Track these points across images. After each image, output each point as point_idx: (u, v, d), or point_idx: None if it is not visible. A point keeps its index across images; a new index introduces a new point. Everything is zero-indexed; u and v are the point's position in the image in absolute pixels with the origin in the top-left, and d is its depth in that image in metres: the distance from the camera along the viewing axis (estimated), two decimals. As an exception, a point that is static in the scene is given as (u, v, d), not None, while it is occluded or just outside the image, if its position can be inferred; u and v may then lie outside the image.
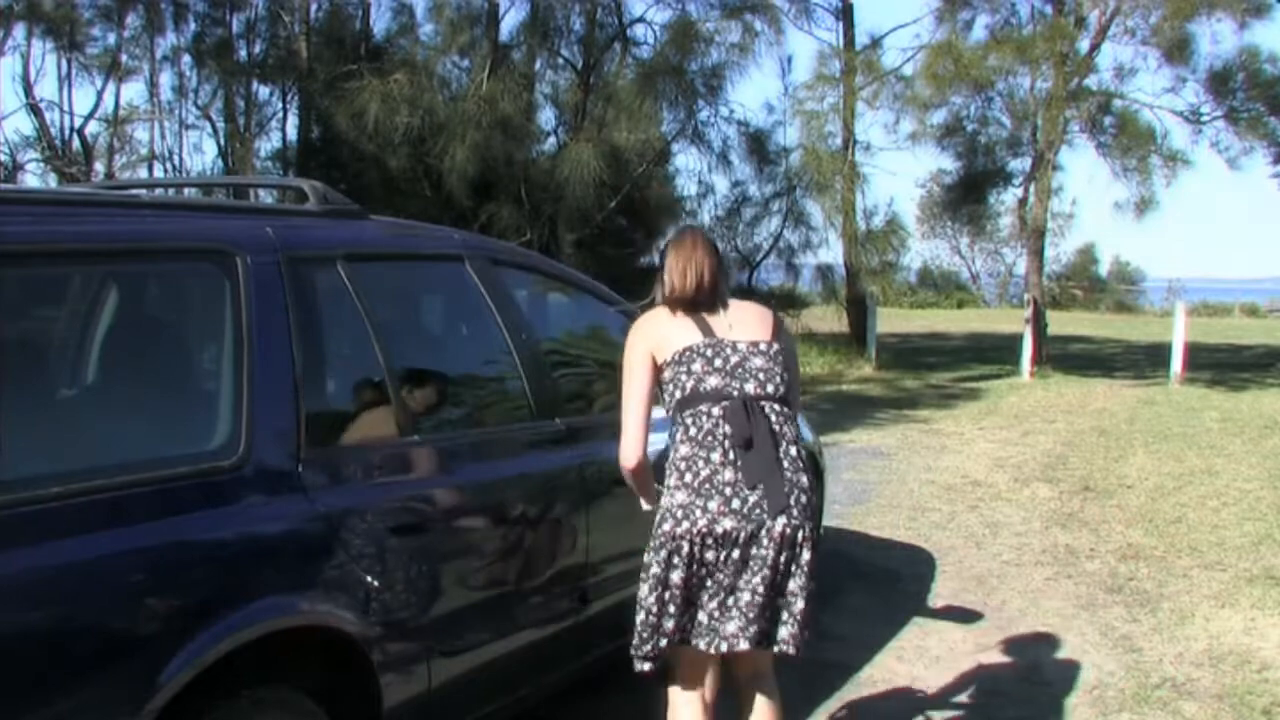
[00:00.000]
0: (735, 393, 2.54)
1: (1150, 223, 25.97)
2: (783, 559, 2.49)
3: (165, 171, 18.06)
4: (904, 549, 5.65)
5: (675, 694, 2.67)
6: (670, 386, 2.59)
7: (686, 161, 50.98)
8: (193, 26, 16.91)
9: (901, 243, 16.45)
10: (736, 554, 2.45)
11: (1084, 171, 39.09)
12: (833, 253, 16.56)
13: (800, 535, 2.51)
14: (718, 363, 2.57)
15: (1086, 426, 9.96)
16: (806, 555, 2.54)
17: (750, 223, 16.69)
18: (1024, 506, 6.67)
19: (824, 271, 17.01)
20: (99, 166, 18.22)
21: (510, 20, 14.89)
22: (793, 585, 2.53)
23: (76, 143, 17.86)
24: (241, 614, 2.11)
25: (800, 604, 2.55)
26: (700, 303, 2.64)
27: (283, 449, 2.29)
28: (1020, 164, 16.01)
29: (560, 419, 3.13)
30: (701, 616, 2.51)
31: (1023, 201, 16.18)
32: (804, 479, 2.54)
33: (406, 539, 2.50)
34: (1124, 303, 38.41)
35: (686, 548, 2.45)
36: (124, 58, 17.66)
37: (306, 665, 2.33)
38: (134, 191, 3.21)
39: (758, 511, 2.45)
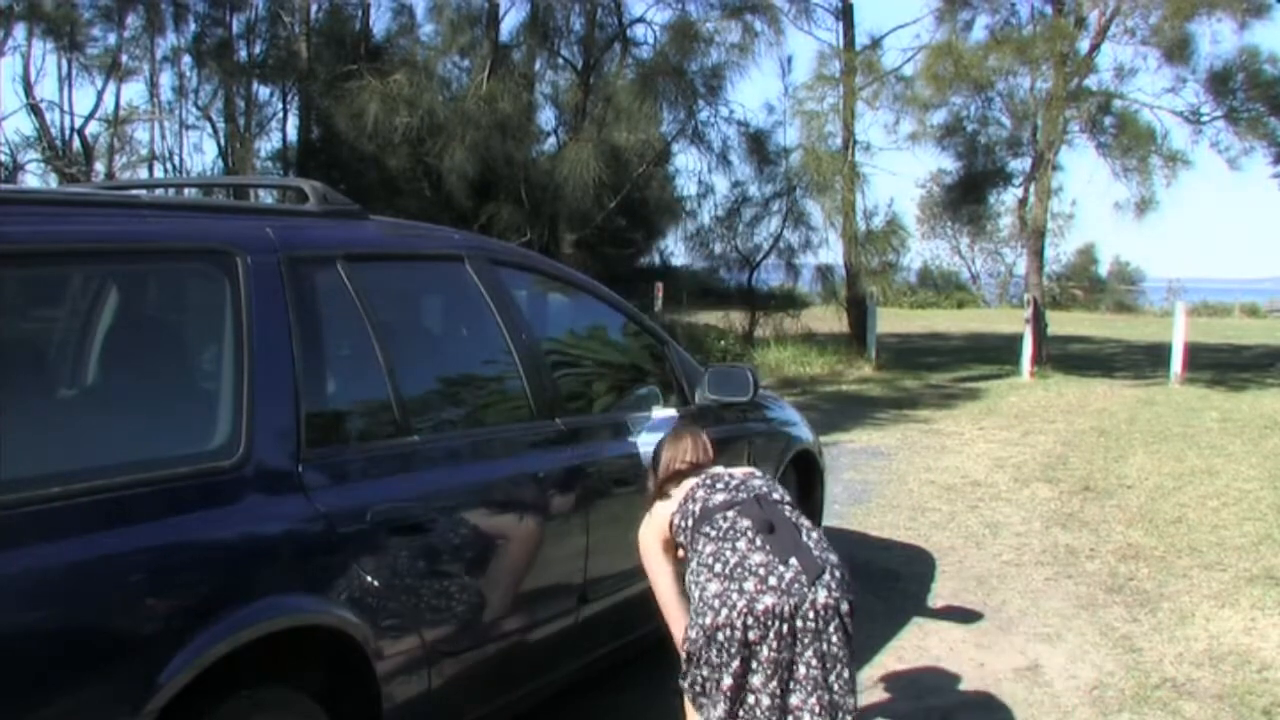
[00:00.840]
0: (742, 497, 2.65)
1: (1150, 223, 25.99)
2: (831, 630, 2.43)
3: (165, 172, 18.07)
4: (904, 549, 5.65)
5: None
6: (682, 523, 2.68)
7: (686, 161, 51.01)
8: (193, 27, 16.95)
9: (901, 243, 16.45)
10: (785, 628, 2.39)
11: (1084, 171, 39.06)
12: (833, 253, 16.59)
13: (844, 608, 2.46)
14: (719, 485, 2.70)
15: (1086, 426, 9.95)
16: (842, 625, 2.47)
17: (750, 223, 16.73)
18: (1024, 506, 6.67)
19: (824, 271, 17.03)
20: (99, 167, 18.23)
21: (510, 20, 14.93)
22: (840, 654, 2.47)
23: (77, 143, 17.88)
24: (241, 614, 2.11)
25: (846, 673, 2.49)
26: (676, 476, 2.83)
27: (283, 449, 2.29)
28: (1020, 164, 16.02)
29: (560, 419, 3.13)
30: (764, 700, 2.41)
31: (1023, 201, 16.18)
32: (834, 556, 2.54)
33: (407, 539, 2.50)
34: (1124, 303, 38.40)
35: (727, 634, 2.41)
36: (124, 58, 17.68)
37: (307, 665, 2.33)
38: (134, 192, 3.21)
39: (796, 586, 2.42)
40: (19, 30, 16.80)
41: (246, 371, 2.26)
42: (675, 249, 17.03)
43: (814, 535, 2.59)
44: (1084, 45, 14.82)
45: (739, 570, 2.45)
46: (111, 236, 2.22)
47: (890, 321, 21.11)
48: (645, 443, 3.18)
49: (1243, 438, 9.23)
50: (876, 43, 16.30)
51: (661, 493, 2.86)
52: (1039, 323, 14.37)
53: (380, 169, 13.64)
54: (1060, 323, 19.87)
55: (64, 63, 17.62)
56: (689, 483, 2.79)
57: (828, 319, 17.29)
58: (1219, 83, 14.73)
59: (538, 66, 15.27)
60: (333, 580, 2.32)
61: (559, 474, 3.08)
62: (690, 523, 2.67)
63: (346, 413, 2.61)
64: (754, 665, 2.41)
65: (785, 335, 16.44)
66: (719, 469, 2.83)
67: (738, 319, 16.56)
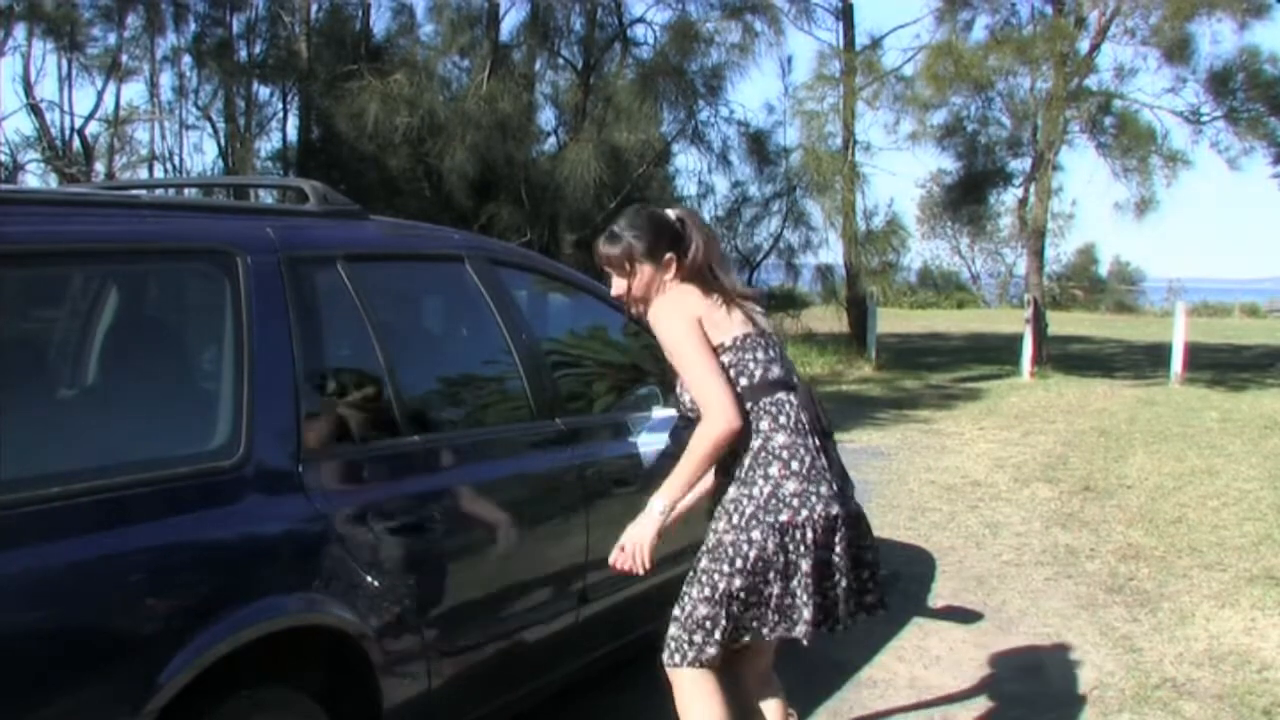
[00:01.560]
0: (796, 381, 2.56)
1: (1150, 223, 25.99)
2: (857, 536, 2.56)
3: (165, 172, 18.07)
4: (904, 549, 5.65)
5: (715, 690, 2.54)
6: (731, 372, 2.51)
7: (686, 162, 51.07)
8: (193, 27, 16.94)
9: (901, 243, 16.48)
10: (847, 533, 2.49)
11: (1084, 171, 39.08)
12: (833, 253, 16.61)
13: (864, 512, 2.62)
14: (772, 353, 2.56)
15: (1086, 426, 9.96)
16: (867, 527, 2.63)
17: (750, 223, 16.75)
18: (1024, 506, 6.67)
19: (824, 272, 17.04)
20: (99, 167, 18.23)
21: (510, 20, 14.92)
22: (870, 557, 2.62)
23: (77, 143, 17.87)
24: (241, 614, 2.11)
25: (879, 570, 2.68)
26: (729, 291, 2.60)
27: (283, 449, 2.29)
28: (1020, 164, 16.05)
29: (560, 419, 3.13)
30: (805, 609, 2.46)
31: (1023, 202, 16.19)
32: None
33: (407, 539, 2.50)
34: (1124, 303, 38.43)
35: (811, 534, 2.43)
36: (124, 58, 17.67)
37: (307, 665, 2.33)
38: (134, 192, 3.22)
39: (846, 495, 2.52)
40: (19, 30, 16.80)
41: (246, 372, 2.26)
42: (675, 249, 17.01)
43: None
44: (1084, 45, 14.85)
45: (814, 473, 2.46)
46: (111, 236, 2.22)
47: (890, 321, 21.11)
48: (645, 443, 3.18)
49: (1243, 438, 9.23)
50: (876, 43, 16.34)
51: (692, 276, 2.60)
52: (1039, 323, 14.38)
53: (380, 169, 13.64)
54: (1060, 323, 19.87)
55: (64, 63, 17.62)
56: (742, 321, 2.56)
57: (828, 319, 17.30)
58: (1219, 83, 14.74)
59: (538, 66, 15.27)
60: (333, 580, 2.32)
61: (559, 474, 3.08)
62: (744, 380, 2.51)
63: (346, 413, 2.60)
64: (826, 569, 2.48)
65: (785, 335, 16.44)
66: (759, 320, 2.63)
67: (738, 319, 16.53)
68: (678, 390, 2.63)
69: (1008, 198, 17.51)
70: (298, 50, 15.39)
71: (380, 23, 16.14)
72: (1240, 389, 12.89)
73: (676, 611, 2.54)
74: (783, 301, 17.33)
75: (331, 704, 2.33)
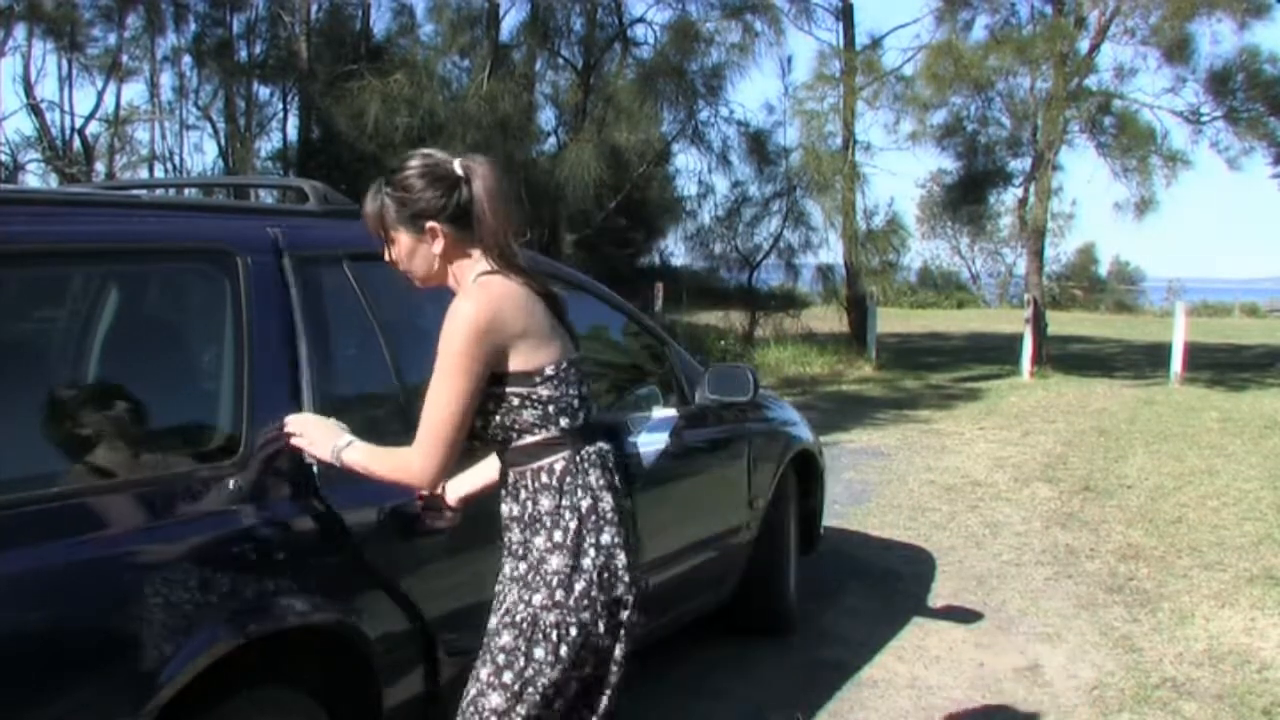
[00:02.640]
0: (594, 425, 2.09)
1: (1150, 223, 25.98)
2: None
3: (166, 172, 18.08)
4: (904, 549, 5.65)
5: None
6: (550, 407, 1.98)
7: (686, 162, 50.97)
8: (193, 27, 16.98)
9: (901, 243, 16.50)
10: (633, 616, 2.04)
11: (1084, 171, 39.00)
12: (833, 253, 16.62)
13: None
14: (586, 385, 2.08)
15: (1086, 426, 9.96)
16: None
17: (750, 223, 16.76)
18: (1024, 506, 6.67)
19: (824, 271, 17.06)
20: (99, 167, 18.24)
21: (510, 20, 14.93)
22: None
23: (77, 143, 17.88)
24: (242, 614, 2.12)
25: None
26: (549, 292, 2.04)
27: (283, 449, 2.29)
28: (1020, 164, 16.03)
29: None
30: (606, 688, 2.05)
31: (1023, 201, 16.18)
32: None
33: (409, 539, 2.50)
34: (1124, 303, 38.42)
35: (627, 614, 2.02)
36: (124, 58, 17.69)
37: (307, 665, 2.33)
38: (134, 192, 3.21)
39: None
40: (19, 30, 16.82)
41: (247, 371, 2.26)
42: (675, 249, 17.09)
43: None
44: (1084, 45, 14.84)
45: (634, 540, 2.06)
46: (112, 236, 2.22)
47: (890, 321, 21.11)
48: (645, 443, 3.18)
49: (1243, 438, 9.23)
50: (876, 43, 16.35)
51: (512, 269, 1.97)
52: (1039, 323, 14.38)
53: (381, 169, 13.54)
54: (1060, 323, 19.87)
55: (64, 63, 17.64)
56: (563, 337, 2.04)
57: (828, 319, 17.30)
58: (1219, 83, 14.73)
59: (538, 66, 15.29)
60: (334, 580, 2.32)
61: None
62: (564, 420, 2.00)
63: (348, 413, 2.60)
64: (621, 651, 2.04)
65: (785, 335, 16.45)
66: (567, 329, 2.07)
67: (738, 319, 16.59)
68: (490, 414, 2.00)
69: (1008, 198, 17.53)
70: (298, 50, 15.40)
71: (380, 23, 16.18)
72: (1240, 389, 12.89)
73: (464, 699, 2.04)
74: (783, 301, 17.35)
75: (331, 704, 2.33)
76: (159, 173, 18.35)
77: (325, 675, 2.37)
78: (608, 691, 2.04)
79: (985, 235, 34.68)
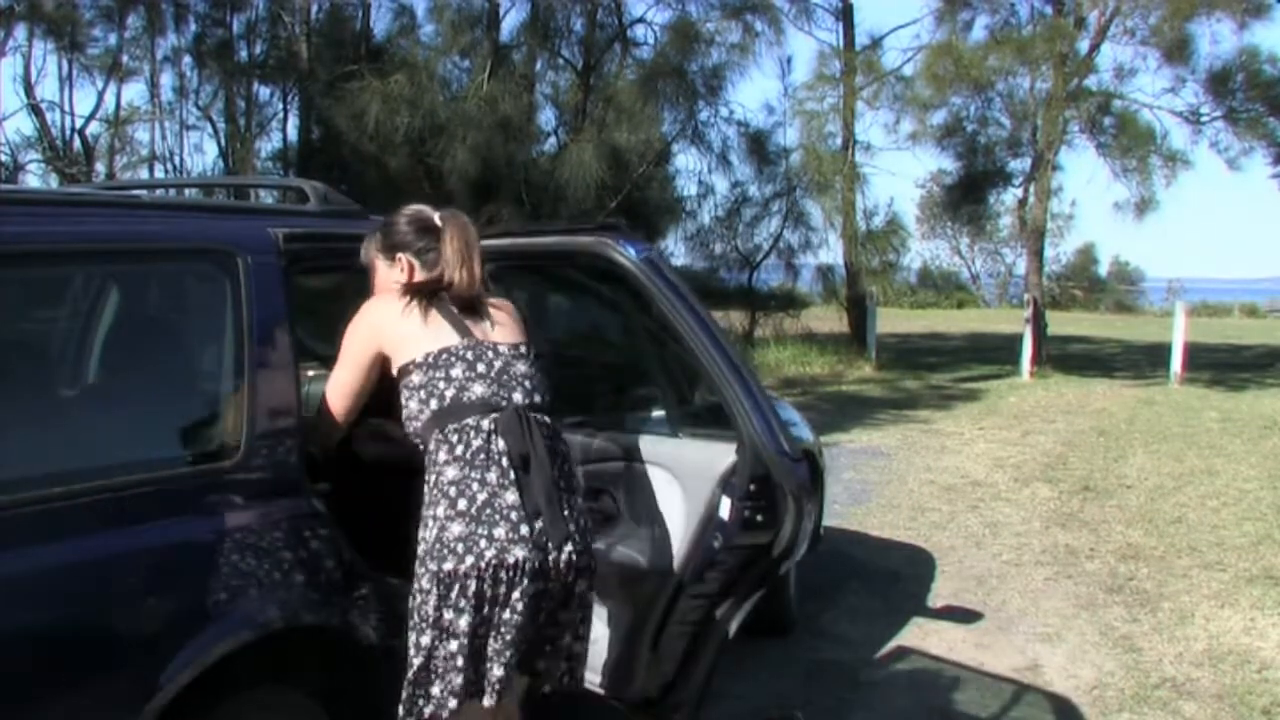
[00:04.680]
0: (504, 403, 2.23)
1: (1150, 223, 25.99)
2: (564, 590, 2.22)
3: (166, 172, 18.06)
4: (904, 549, 5.65)
5: None
6: (421, 394, 2.23)
7: (686, 162, 51.05)
8: (193, 27, 16.95)
9: (901, 243, 16.51)
10: (529, 586, 2.13)
11: (1084, 171, 39.00)
12: (833, 253, 16.61)
13: (586, 564, 2.23)
14: (480, 368, 2.24)
15: (1086, 426, 9.96)
16: (584, 586, 2.26)
17: (750, 223, 16.74)
18: (1024, 506, 6.67)
19: (824, 272, 17.05)
20: (100, 167, 18.23)
21: (510, 21, 14.91)
22: (564, 616, 2.26)
23: (77, 143, 17.87)
24: (242, 614, 2.12)
25: (568, 638, 2.29)
26: (465, 299, 2.32)
27: (283, 449, 2.29)
28: (1020, 164, 16.02)
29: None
30: (495, 668, 2.14)
31: (1022, 202, 16.19)
32: (580, 501, 2.29)
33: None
34: (1124, 303, 38.42)
35: (474, 585, 2.09)
36: (125, 58, 17.68)
37: (307, 665, 2.33)
38: (134, 192, 3.22)
39: (544, 539, 2.14)
40: (19, 30, 16.81)
41: (247, 372, 2.26)
42: (675, 249, 17.04)
43: (568, 470, 2.27)
44: (1084, 45, 14.83)
45: (488, 512, 2.12)
46: (112, 236, 2.23)
47: (890, 321, 21.11)
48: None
49: (1242, 438, 9.23)
50: (876, 43, 16.34)
51: (417, 295, 2.30)
52: (1039, 323, 14.37)
53: (381, 169, 13.64)
54: (1060, 323, 19.87)
55: (64, 63, 17.63)
56: (446, 332, 2.27)
57: (828, 319, 17.30)
58: (1219, 83, 14.72)
59: (538, 67, 15.27)
60: (333, 581, 2.32)
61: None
62: (434, 404, 2.22)
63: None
64: (498, 623, 2.14)
65: (785, 335, 16.44)
66: (482, 330, 2.31)
67: (738, 319, 16.57)
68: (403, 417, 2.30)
69: (1007, 198, 17.52)
70: (298, 50, 15.39)
71: (380, 23, 16.15)
72: (1240, 389, 12.89)
73: None
74: (783, 301, 17.34)
75: (331, 704, 2.33)
76: (159, 173, 18.34)
77: (325, 675, 2.37)
78: (484, 662, 2.13)
79: (985, 235, 34.67)
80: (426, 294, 2.30)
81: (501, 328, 2.35)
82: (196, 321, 2.46)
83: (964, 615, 4.59)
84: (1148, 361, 16.04)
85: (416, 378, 2.25)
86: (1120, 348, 19.40)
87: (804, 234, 16.41)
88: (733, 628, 2.66)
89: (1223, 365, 15.48)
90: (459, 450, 2.17)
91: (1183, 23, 13.98)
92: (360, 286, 2.52)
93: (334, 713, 2.34)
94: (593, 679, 2.55)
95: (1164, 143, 15.23)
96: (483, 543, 2.10)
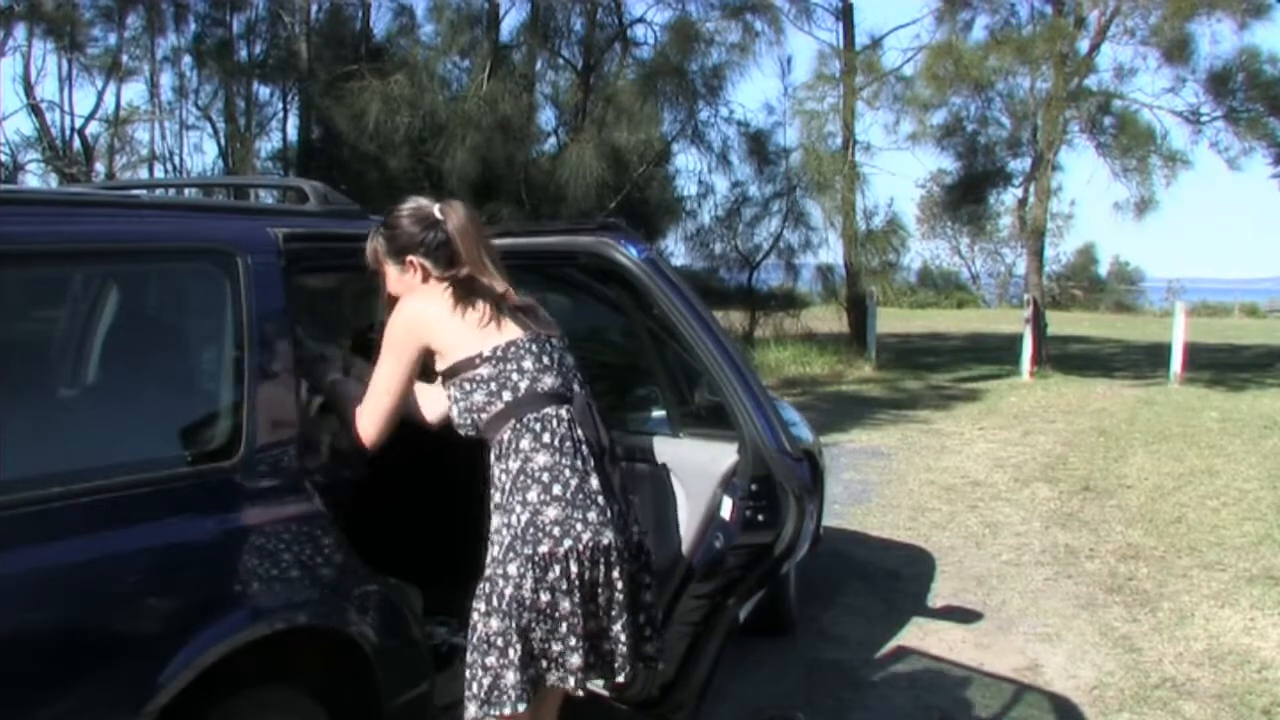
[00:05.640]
0: (570, 393, 2.29)
1: (1150, 223, 26.00)
2: (636, 570, 2.29)
3: (166, 172, 18.05)
4: (904, 549, 5.65)
5: None
6: (491, 385, 2.25)
7: (686, 162, 50.97)
8: (193, 27, 16.93)
9: (901, 243, 16.49)
10: (626, 568, 2.22)
11: (1084, 171, 39.00)
12: (833, 253, 16.61)
13: (649, 546, 2.34)
14: (545, 360, 2.29)
15: (1086, 426, 9.96)
16: (650, 572, 2.35)
17: (750, 223, 16.75)
18: (1024, 506, 6.67)
19: (824, 271, 17.05)
20: (99, 167, 18.21)
21: (510, 21, 14.92)
22: (648, 598, 2.34)
23: (77, 143, 17.85)
24: (241, 614, 2.12)
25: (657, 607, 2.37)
26: (500, 294, 2.33)
27: (283, 449, 2.29)
28: (1020, 164, 16.03)
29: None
30: (612, 645, 2.22)
31: (1022, 202, 16.19)
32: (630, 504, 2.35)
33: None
34: (1124, 303, 38.41)
35: (575, 568, 2.15)
36: (124, 58, 17.65)
37: (307, 665, 2.33)
38: (134, 192, 3.22)
39: (623, 522, 2.25)
40: (19, 30, 16.79)
41: (247, 372, 2.26)
42: (675, 249, 17.04)
43: (618, 455, 2.35)
44: (1084, 45, 14.83)
45: (580, 497, 2.18)
46: (112, 236, 2.23)
47: (890, 321, 21.11)
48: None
49: (1242, 438, 9.23)
50: (876, 43, 16.34)
51: (462, 289, 2.30)
52: (1039, 323, 14.37)
53: (381, 169, 13.64)
54: (1060, 323, 19.87)
55: (64, 63, 17.60)
56: (507, 326, 2.30)
57: (828, 319, 17.31)
58: (1219, 83, 14.72)
59: (538, 67, 15.27)
60: (333, 581, 2.32)
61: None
62: (507, 395, 2.25)
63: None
64: (591, 607, 2.20)
65: (785, 335, 16.45)
66: (535, 322, 2.35)
67: (738, 319, 16.58)
68: (450, 404, 2.33)
69: (1007, 198, 17.52)
70: (298, 50, 15.38)
71: (380, 23, 16.14)
72: (1240, 389, 12.89)
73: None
74: (783, 301, 17.34)
75: (331, 704, 2.33)
76: (159, 173, 18.32)
77: (326, 675, 2.37)
78: (569, 643, 2.16)
79: (985, 235, 34.66)
80: (467, 289, 2.30)
81: (542, 321, 2.37)
82: (196, 321, 2.45)
83: (964, 615, 4.59)
84: (1148, 361, 16.04)
85: (485, 370, 2.26)
86: (1120, 348, 19.40)
87: (804, 234, 16.44)
88: (734, 626, 2.66)
89: (1223, 365, 15.47)
90: (545, 438, 2.21)
91: (1183, 23, 13.97)
92: (360, 286, 2.52)
93: (334, 713, 2.34)
94: (594, 680, 2.55)
95: (1164, 143, 15.24)
96: (578, 525, 2.16)
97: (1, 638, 1.81)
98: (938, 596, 4.87)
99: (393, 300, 2.38)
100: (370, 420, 2.33)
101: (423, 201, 2.38)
